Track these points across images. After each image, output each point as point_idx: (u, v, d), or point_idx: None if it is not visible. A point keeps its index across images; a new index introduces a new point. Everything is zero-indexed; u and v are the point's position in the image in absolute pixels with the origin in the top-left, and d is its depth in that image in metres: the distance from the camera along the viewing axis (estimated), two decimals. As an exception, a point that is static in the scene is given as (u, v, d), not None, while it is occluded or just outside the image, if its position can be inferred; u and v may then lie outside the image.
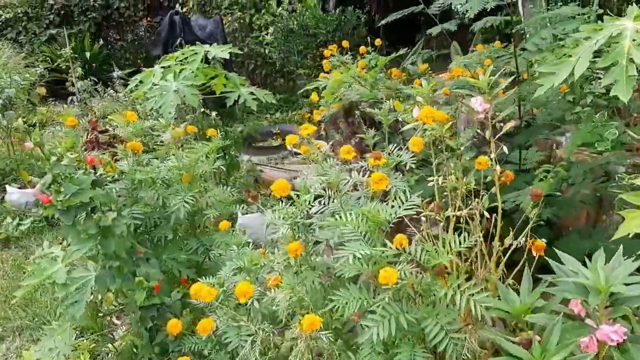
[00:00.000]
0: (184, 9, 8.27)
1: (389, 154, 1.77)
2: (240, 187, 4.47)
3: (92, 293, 2.27)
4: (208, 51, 3.29)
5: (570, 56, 1.74)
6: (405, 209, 1.51)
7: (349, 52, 4.40)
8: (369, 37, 6.71)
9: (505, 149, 1.91)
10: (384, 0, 9.68)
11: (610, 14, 4.66)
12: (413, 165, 1.69)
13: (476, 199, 1.83)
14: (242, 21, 7.70)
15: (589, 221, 2.83)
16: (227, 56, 3.41)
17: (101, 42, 9.70)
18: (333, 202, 1.80)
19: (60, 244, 4.14)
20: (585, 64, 1.66)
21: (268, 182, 4.86)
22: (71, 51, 5.16)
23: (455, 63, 2.88)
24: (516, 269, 1.86)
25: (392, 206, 1.52)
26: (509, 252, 1.71)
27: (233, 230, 2.27)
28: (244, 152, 5.73)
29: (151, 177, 2.46)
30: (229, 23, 7.64)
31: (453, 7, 3.70)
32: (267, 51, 7.48)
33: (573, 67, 1.67)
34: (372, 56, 4.26)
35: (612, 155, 2.71)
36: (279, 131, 6.53)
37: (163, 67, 3.21)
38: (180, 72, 3.11)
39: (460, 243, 1.47)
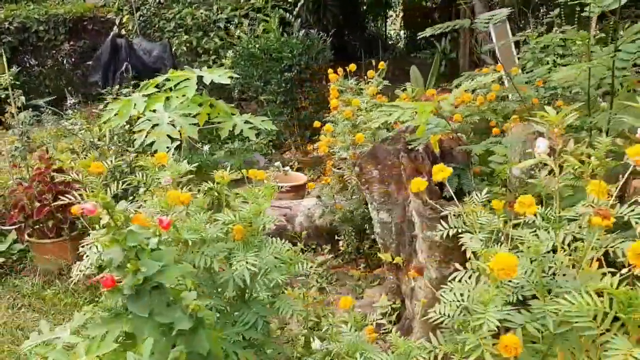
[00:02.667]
0: (122, 32, 7.55)
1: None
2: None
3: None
4: (201, 76, 2.86)
5: None
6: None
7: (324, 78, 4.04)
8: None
9: None
10: (324, 26, 9.98)
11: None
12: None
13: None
14: (189, 44, 7.10)
15: None
16: (228, 81, 2.96)
17: (17, 67, 8.74)
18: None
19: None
20: None
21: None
22: (11, 77, 4.40)
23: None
24: None
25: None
26: None
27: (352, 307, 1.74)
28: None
29: (202, 236, 1.92)
30: (176, 47, 7.02)
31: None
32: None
33: None
34: (376, 80, 3.92)
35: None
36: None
37: (145, 96, 2.73)
38: (167, 100, 2.67)
39: None
